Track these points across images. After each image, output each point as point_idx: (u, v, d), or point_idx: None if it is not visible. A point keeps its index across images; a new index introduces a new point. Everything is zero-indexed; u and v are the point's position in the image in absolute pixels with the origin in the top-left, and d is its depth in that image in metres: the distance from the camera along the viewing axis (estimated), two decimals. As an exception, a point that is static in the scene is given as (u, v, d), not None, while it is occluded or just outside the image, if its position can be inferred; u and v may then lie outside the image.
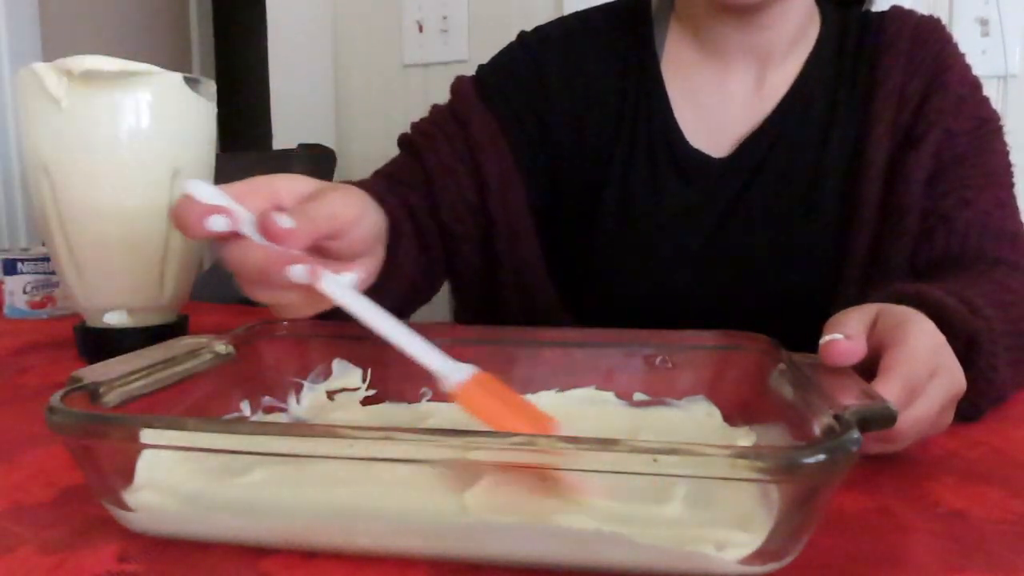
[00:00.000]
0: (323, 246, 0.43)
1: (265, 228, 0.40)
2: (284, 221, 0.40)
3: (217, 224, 0.40)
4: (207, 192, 0.41)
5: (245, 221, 0.41)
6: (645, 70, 0.77)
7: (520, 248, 0.76)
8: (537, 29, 0.82)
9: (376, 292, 0.46)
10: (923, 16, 0.75)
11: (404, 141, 0.78)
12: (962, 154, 0.70)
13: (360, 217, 0.46)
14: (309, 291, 0.42)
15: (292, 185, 0.44)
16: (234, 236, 0.41)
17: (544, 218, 0.78)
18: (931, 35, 0.73)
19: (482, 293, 0.79)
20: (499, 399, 0.42)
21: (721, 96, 0.76)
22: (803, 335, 0.47)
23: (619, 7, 0.82)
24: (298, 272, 0.40)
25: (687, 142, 0.75)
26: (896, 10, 0.76)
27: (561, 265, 0.79)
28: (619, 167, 0.75)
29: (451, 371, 0.42)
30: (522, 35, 0.82)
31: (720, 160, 0.74)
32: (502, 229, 0.75)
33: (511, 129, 0.76)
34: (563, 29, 0.81)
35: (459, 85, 0.79)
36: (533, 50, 0.80)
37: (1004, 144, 0.73)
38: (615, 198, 0.75)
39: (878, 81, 0.72)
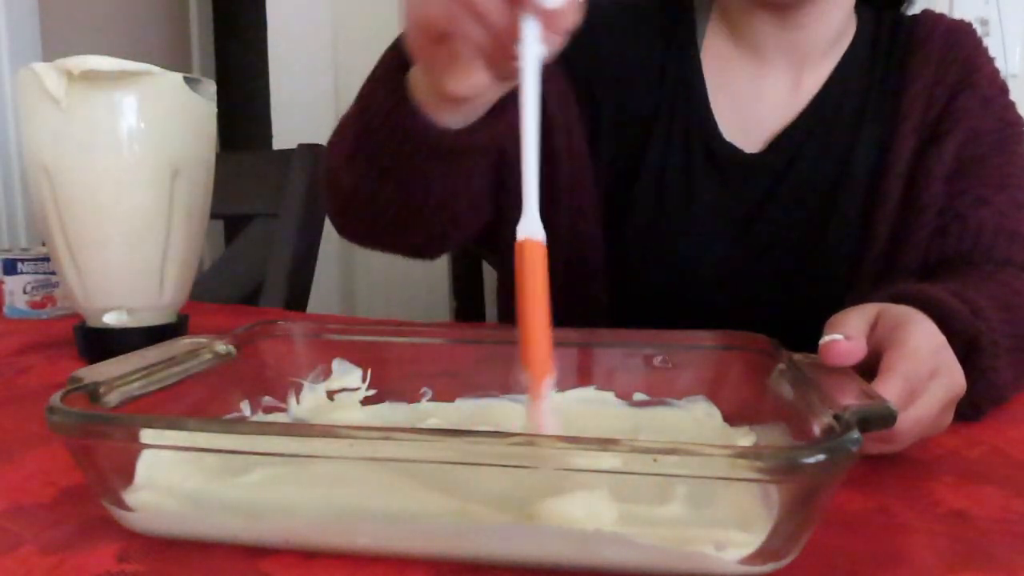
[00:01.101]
0: None
1: None
2: None
3: None
4: None
5: None
6: (685, 57, 0.77)
7: (579, 194, 0.74)
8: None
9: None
10: (954, 20, 0.76)
11: None
12: (983, 154, 0.70)
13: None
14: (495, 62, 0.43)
15: None
16: None
17: None
18: (962, 38, 0.74)
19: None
20: (539, 279, 0.39)
21: (757, 92, 0.76)
22: (819, 332, 0.47)
23: None
24: None
25: (721, 135, 0.75)
26: (928, 13, 0.77)
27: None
28: (655, 154, 0.75)
29: (524, 223, 0.40)
30: None
31: (752, 155, 0.75)
32: (564, 172, 0.73)
33: (570, 76, 0.74)
34: (613, 4, 0.81)
35: None
36: (589, 14, 0.79)
37: None
38: (650, 185, 0.75)
39: (908, 81, 0.73)
